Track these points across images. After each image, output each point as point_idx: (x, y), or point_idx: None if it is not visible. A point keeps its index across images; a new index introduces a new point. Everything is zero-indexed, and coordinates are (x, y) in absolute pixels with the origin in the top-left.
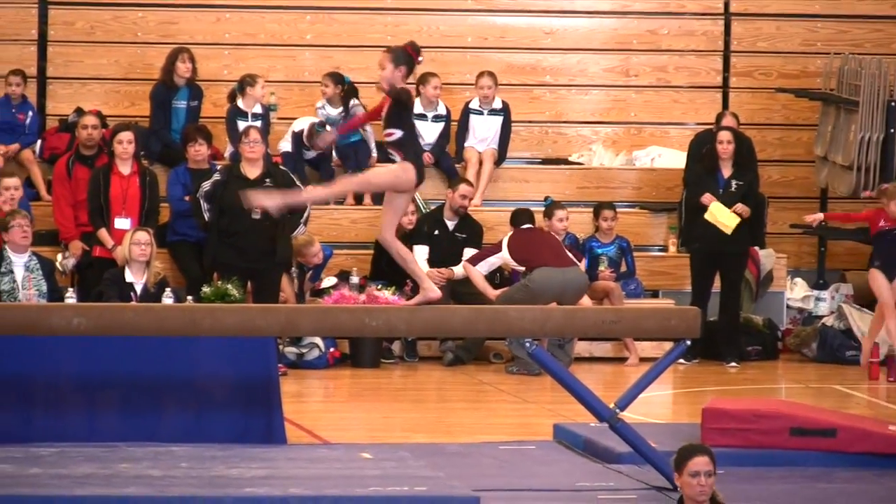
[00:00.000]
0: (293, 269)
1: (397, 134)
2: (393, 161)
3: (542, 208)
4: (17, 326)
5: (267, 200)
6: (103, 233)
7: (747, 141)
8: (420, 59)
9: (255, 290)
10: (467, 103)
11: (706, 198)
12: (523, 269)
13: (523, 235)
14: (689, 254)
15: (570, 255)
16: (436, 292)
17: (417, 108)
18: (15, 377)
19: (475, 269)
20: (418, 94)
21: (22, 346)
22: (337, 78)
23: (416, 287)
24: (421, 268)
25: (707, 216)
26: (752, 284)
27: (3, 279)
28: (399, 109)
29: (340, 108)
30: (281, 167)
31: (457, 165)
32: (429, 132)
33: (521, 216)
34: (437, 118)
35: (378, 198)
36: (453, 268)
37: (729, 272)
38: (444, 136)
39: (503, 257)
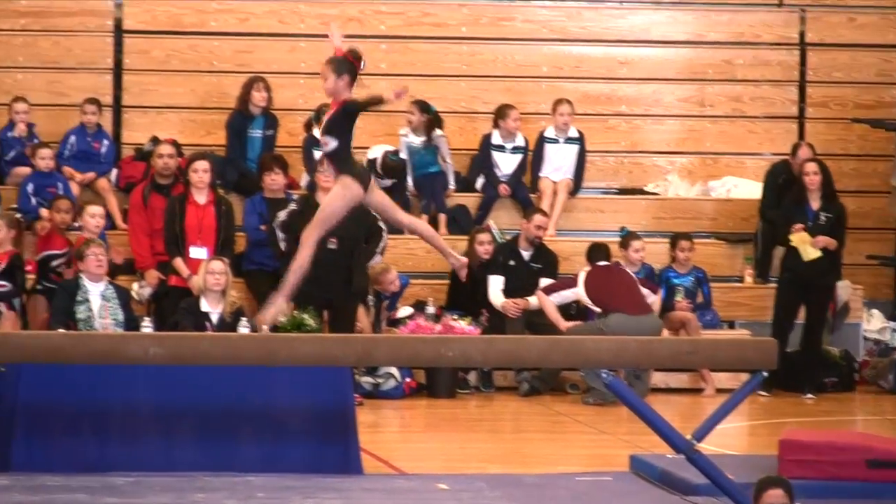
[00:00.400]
0: (369, 297)
1: (332, 144)
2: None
3: (618, 238)
4: (94, 355)
5: (266, 317)
6: (179, 262)
7: (829, 172)
8: (363, 64)
9: (331, 320)
10: (542, 132)
11: (797, 228)
12: (598, 309)
13: (600, 275)
14: (773, 284)
15: (645, 296)
16: (463, 259)
17: (496, 139)
18: (91, 406)
19: (549, 300)
20: (497, 126)
21: (98, 375)
22: (423, 106)
23: (492, 318)
24: (444, 242)
25: (793, 242)
26: (828, 316)
27: (79, 308)
28: (343, 119)
29: (424, 137)
30: None
31: (532, 195)
32: (507, 164)
33: (597, 252)
34: (515, 149)
35: (452, 226)
36: (528, 298)
37: (814, 304)
38: (521, 167)
39: (578, 293)
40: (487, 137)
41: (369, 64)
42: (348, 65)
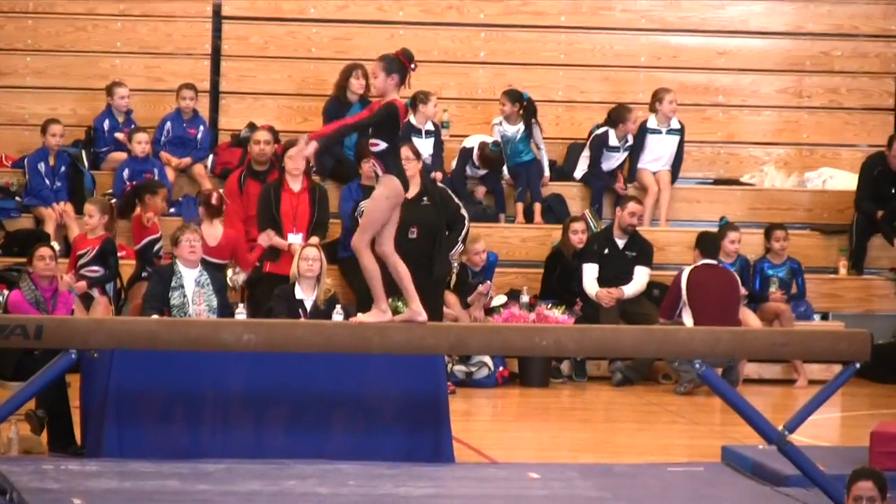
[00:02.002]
0: (454, 265)
1: (381, 145)
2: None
3: (716, 228)
4: (188, 342)
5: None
6: (275, 238)
7: None
8: (413, 66)
9: None
10: (644, 122)
11: None
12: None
13: (703, 277)
14: (868, 275)
15: (739, 301)
16: (422, 316)
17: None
18: (185, 392)
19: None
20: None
21: (191, 362)
22: (515, 96)
23: (586, 308)
24: (413, 288)
25: None
26: None
27: (173, 294)
28: (386, 122)
29: (519, 126)
30: (440, 185)
31: (630, 185)
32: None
33: (708, 245)
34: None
35: (547, 215)
36: (623, 287)
37: None
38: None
39: (684, 299)
40: (601, 136)
41: (468, 52)
42: (399, 64)
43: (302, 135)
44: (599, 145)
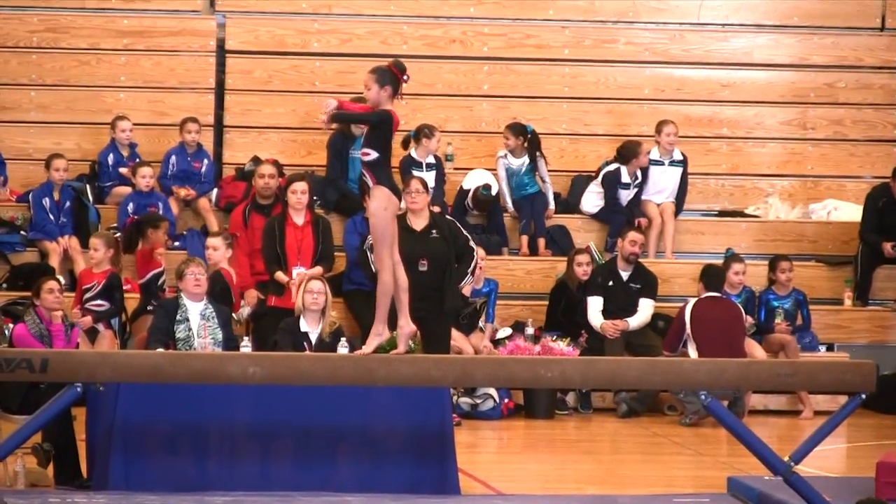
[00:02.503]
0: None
1: (373, 155)
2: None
3: (721, 260)
4: (194, 375)
5: (369, 349)
6: (279, 274)
7: None
8: (406, 77)
9: (424, 342)
10: (647, 154)
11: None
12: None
13: (707, 310)
14: (872, 307)
15: (744, 335)
16: (384, 337)
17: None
18: (190, 425)
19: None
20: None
21: (196, 395)
22: (518, 129)
23: (591, 339)
24: (386, 310)
25: None
26: None
27: (179, 327)
28: (379, 131)
29: (524, 158)
30: (448, 217)
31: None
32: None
33: (712, 278)
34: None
35: (552, 247)
36: (628, 319)
37: None
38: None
39: (688, 332)
40: (615, 176)
41: (472, 85)
42: (391, 76)
43: (307, 168)
44: (613, 183)
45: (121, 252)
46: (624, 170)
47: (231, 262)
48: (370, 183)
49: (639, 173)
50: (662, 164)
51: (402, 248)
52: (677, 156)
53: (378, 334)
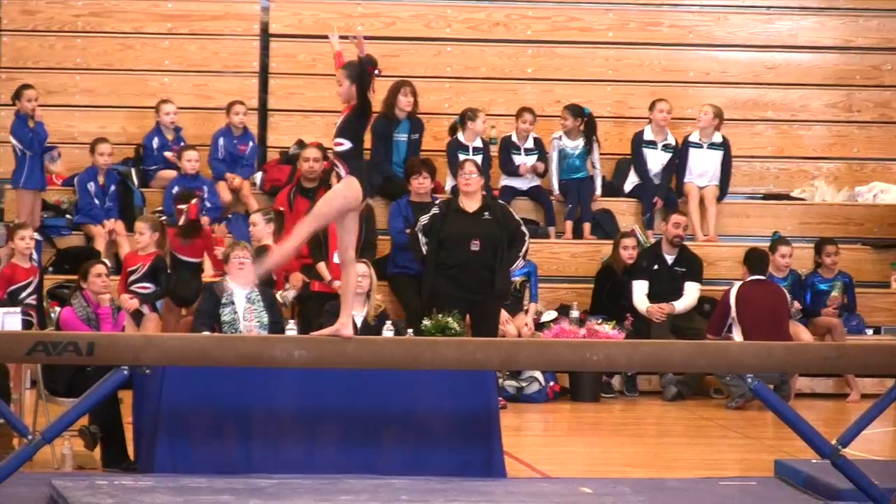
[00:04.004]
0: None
1: (346, 145)
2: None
3: (767, 243)
4: (240, 358)
5: (251, 275)
6: (321, 267)
7: None
8: (377, 72)
9: (473, 323)
10: (687, 137)
11: None
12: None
13: (752, 294)
14: None
15: (790, 316)
16: (349, 332)
17: (647, 135)
18: (236, 408)
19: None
20: (650, 120)
21: (242, 378)
22: (576, 111)
23: (636, 323)
24: (352, 302)
25: None
26: None
27: (224, 310)
28: (356, 119)
29: (578, 141)
30: (500, 201)
31: (679, 200)
32: (656, 161)
33: (756, 262)
34: (665, 147)
35: (597, 230)
36: (674, 303)
37: None
38: (670, 166)
39: (733, 315)
40: (639, 135)
41: (515, 68)
42: (367, 78)
43: None
44: (638, 144)
45: (166, 235)
46: (648, 129)
47: (276, 242)
48: (342, 173)
49: (671, 139)
50: (701, 146)
51: (454, 228)
52: (717, 139)
53: (270, 262)
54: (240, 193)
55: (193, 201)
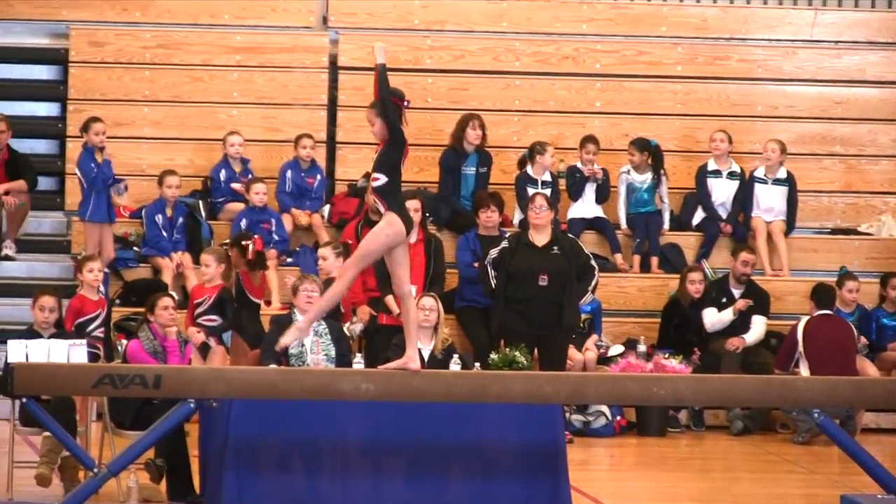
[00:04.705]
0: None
1: (382, 179)
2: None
3: (834, 278)
4: (307, 390)
5: (285, 338)
6: (389, 300)
7: None
8: (406, 103)
9: (541, 357)
10: (752, 172)
11: None
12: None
13: (819, 328)
14: None
15: (857, 353)
16: (415, 364)
17: (711, 165)
18: (303, 441)
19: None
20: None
21: (309, 411)
22: (642, 144)
23: (704, 357)
24: (416, 336)
25: None
26: None
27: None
28: (390, 153)
29: (647, 175)
30: (569, 235)
31: (747, 234)
32: (722, 190)
33: (823, 297)
34: (731, 175)
35: (664, 264)
36: (744, 336)
37: None
38: (737, 197)
39: (800, 350)
40: (703, 167)
41: (584, 102)
42: (394, 105)
43: (420, 185)
44: (703, 175)
45: (232, 267)
46: (711, 160)
47: None
48: (381, 210)
49: (735, 167)
50: (766, 182)
51: (523, 262)
52: (782, 174)
53: (300, 329)
54: (310, 225)
55: (255, 237)
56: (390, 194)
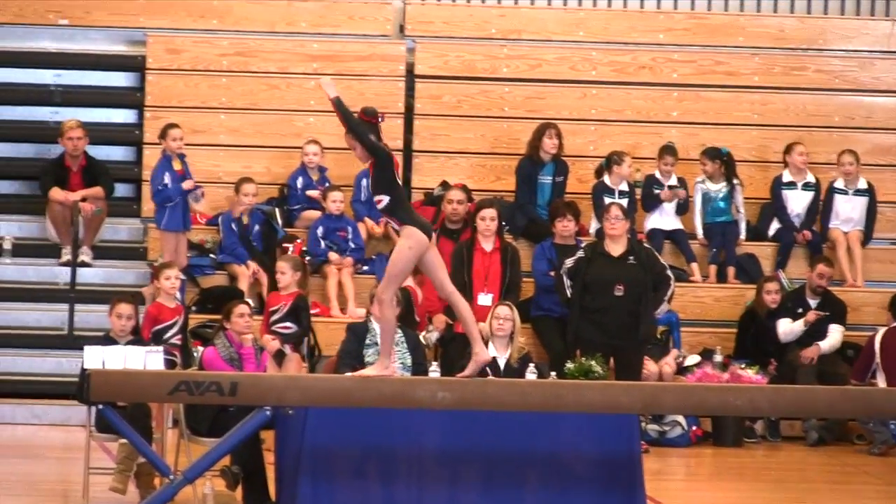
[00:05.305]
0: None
1: (385, 200)
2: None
3: None
4: (383, 399)
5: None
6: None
7: None
8: (381, 118)
9: (617, 367)
10: (832, 183)
11: None
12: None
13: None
14: None
15: None
16: (486, 355)
17: (786, 177)
18: (379, 449)
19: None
20: (786, 164)
21: (384, 419)
22: (713, 153)
23: (780, 367)
24: (478, 331)
25: None
26: None
27: (368, 351)
28: (380, 172)
29: (722, 184)
30: (646, 245)
31: (823, 245)
32: (798, 201)
33: None
34: (806, 186)
35: (740, 274)
36: (819, 343)
37: None
38: (813, 206)
39: (877, 361)
40: (778, 178)
41: (661, 112)
42: (367, 125)
43: (496, 194)
44: (778, 187)
45: (308, 275)
46: (786, 171)
47: (417, 284)
48: (396, 226)
49: (810, 178)
50: (846, 192)
51: (598, 272)
52: (862, 184)
53: (385, 367)
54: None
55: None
56: (398, 209)
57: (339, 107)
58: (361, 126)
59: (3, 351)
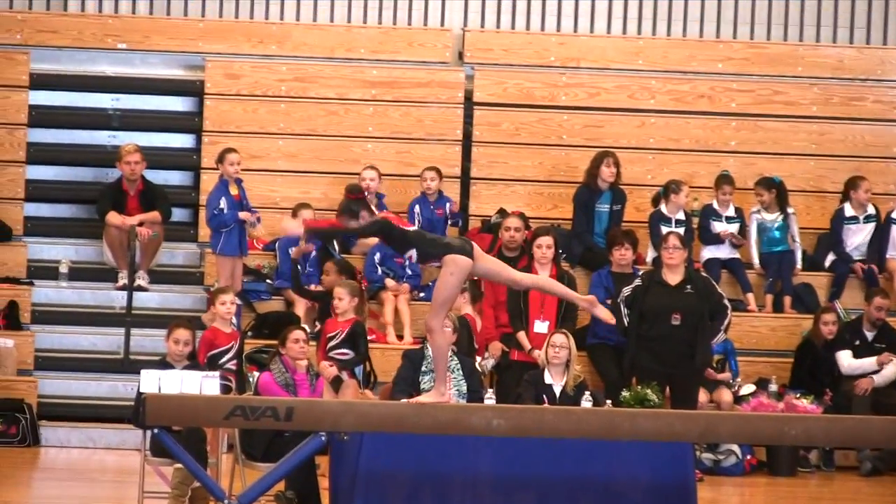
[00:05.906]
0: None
1: (413, 255)
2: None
3: None
4: (438, 425)
5: (423, 398)
6: (521, 336)
7: None
8: (365, 193)
9: (672, 396)
10: (889, 213)
11: None
12: None
13: None
14: None
15: None
16: (445, 398)
17: (848, 211)
18: (433, 476)
19: None
20: (848, 199)
21: (439, 445)
22: (767, 183)
23: (835, 397)
24: (444, 369)
25: None
26: None
27: (423, 378)
28: (390, 239)
29: (777, 214)
30: (703, 274)
31: (880, 276)
32: (859, 235)
33: None
34: (868, 218)
35: (797, 304)
36: (873, 376)
37: None
38: (874, 239)
39: None
40: (839, 212)
41: (719, 141)
42: (354, 203)
43: (553, 221)
44: (839, 220)
45: (366, 301)
46: (847, 205)
47: (476, 312)
48: (438, 264)
49: (871, 209)
50: None
51: (656, 301)
52: None
53: (441, 393)
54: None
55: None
56: (428, 250)
57: (316, 233)
58: (349, 225)
59: (59, 374)
